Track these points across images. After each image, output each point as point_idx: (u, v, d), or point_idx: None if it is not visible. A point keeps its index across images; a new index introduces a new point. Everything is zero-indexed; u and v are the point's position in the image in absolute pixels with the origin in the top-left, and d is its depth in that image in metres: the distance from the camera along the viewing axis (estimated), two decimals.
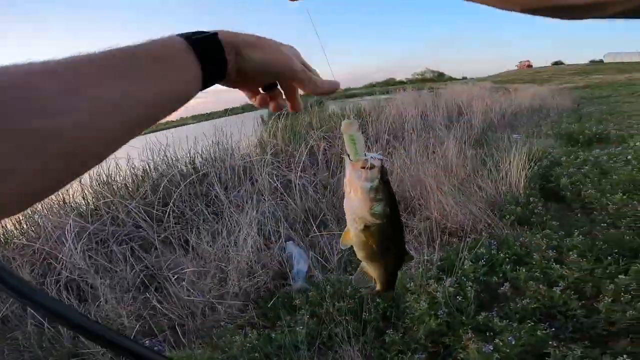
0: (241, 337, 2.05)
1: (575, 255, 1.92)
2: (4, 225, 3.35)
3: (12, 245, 3.16)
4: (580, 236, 2.13)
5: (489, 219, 2.82)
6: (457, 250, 2.40)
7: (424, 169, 3.55)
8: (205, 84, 0.44)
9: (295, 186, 3.57)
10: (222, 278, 2.57)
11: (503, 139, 4.56)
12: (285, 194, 3.55)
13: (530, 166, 3.36)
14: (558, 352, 1.51)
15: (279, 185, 3.65)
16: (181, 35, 0.42)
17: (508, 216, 2.75)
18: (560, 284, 1.83)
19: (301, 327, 2.03)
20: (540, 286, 1.84)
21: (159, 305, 2.44)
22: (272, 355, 1.99)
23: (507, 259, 2.20)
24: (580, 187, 2.93)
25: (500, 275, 2.13)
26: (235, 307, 2.42)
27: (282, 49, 0.49)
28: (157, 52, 0.38)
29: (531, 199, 2.94)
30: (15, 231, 3.40)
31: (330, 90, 0.53)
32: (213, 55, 0.43)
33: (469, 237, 2.60)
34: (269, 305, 2.40)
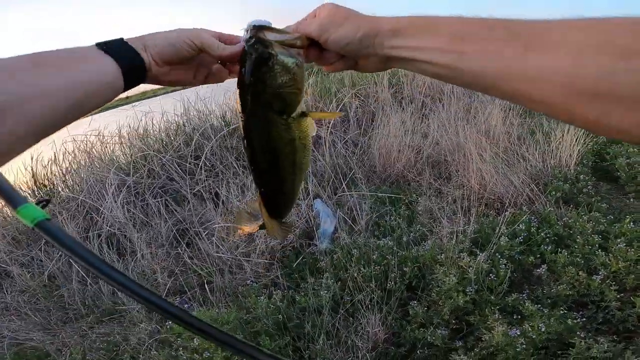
0: (265, 298, 2.14)
1: (623, 244, 1.86)
2: (50, 179, 3.59)
3: (58, 199, 3.38)
4: (632, 223, 2.05)
5: (532, 193, 2.74)
6: (493, 224, 2.38)
7: (464, 134, 3.43)
8: (130, 78, 0.52)
9: (325, 142, 3.56)
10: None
11: None
12: (314, 149, 3.56)
13: (585, 142, 3.18)
14: (583, 344, 1.53)
15: None
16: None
17: (553, 192, 2.66)
18: (600, 273, 1.80)
19: (325, 292, 2.11)
20: (580, 273, 1.81)
21: (189, 262, 2.59)
22: (295, 318, 2.09)
23: (547, 239, 2.16)
24: (638, 170, 2.77)
25: (538, 256, 2.10)
26: (261, 266, 2.53)
27: (183, 30, 0.56)
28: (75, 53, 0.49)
29: (581, 176, 2.82)
30: (61, 184, 3.63)
31: (230, 55, 0.56)
32: (124, 53, 0.52)
33: (507, 210, 2.55)
34: (294, 266, 2.50)
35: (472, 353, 1.75)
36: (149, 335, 2.24)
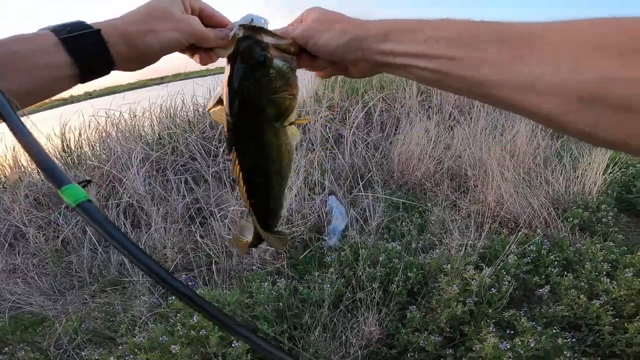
0: (269, 284, 2.26)
1: (631, 274, 1.90)
2: (80, 147, 3.84)
3: (84, 166, 3.60)
4: None
5: (549, 217, 2.78)
6: (504, 242, 2.44)
7: (488, 150, 3.48)
8: (86, 77, 0.50)
9: (347, 141, 3.68)
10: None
11: None
12: (335, 147, 3.68)
13: (612, 170, 3.19)
14: None
15: (330, 137, 3.77)
16: (55, 28, 0.48)
17: (571, 218, 2.69)
18: (601, 298, 1.85)
19: (329, 285, 2.21)
20: (581, 296, 1.87)
21: (200, 240, 2.74)
22: (294, 308, 2.20)
23: (556, 262, 2.22)
24: None
25: (543, 277, 2.16)
26: (268, 253, 2.66)
27: (175, 17, 0.53)
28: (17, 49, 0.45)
29: (603, 206, 2.84)
30: (89, 153, 3.87)
31: (225, 44, 0.56)
32: (90, 50, 0.48)
33: (520, 230, 2.61)
34: (300, 257, 2.61)
35: None
36: (148, 309, 2.36)
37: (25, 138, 0.39)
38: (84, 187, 0.39)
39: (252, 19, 0.52)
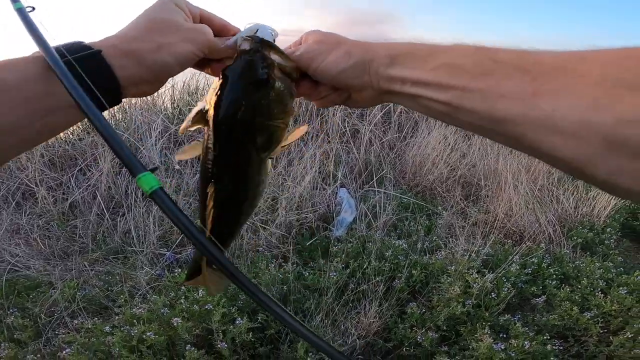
0: (275, 267, 2.43)
1: (624, 292, 2.13)
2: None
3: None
4: None
5: (554, 233, 3.01)
6: (507, 252, 2.66)
7: (504, 163, 3.70)
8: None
9: (363, 137, 3.89)
10: (272, 205, 3.02)
11: None
12: (351, 141, 3.89)
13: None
14: None
15: (347, 131, 3.98)
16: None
17: (575, 237, 2.92)
18: (592, 312, 2.08)
19: (334, 274, 2.42)
20: (574, 308, 2.10)
21: None
22: (298, 292, 2.38)
23: (554, 275, 2.45)
24: None
25: (541, 287, 2.39)
26: (275, 237, 2.87)
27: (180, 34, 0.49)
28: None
29: (608, 229, 3.07)
30: (110, 120, 4.04)
31: (228, 54, 0.53)
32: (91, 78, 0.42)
33: (525, 243, 2.83)
34: (306, 244, 2.83)
35: None
36: (147, 281, 2.46)
37: (101, 123, 0.40)
38: (152, 172, 0.40)
39: (258, 30, 0.49)
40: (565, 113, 0.33)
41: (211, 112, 0.46)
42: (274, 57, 0.47)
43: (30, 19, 0.45)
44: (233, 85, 0.46)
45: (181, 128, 0.51)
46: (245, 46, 0.47)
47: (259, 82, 0.46)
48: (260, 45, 0.47)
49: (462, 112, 0.41)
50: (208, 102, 0.47)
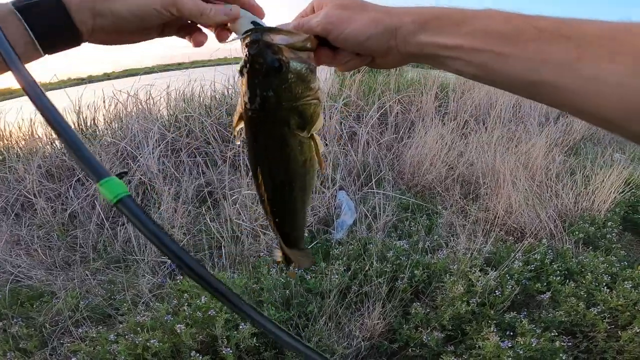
0: (277, 271, 2.39)
1: (629, 286, 2.08)
2: (97, 122, 3.99)
3: (100, 141, 3.76)
4: None
5: (555, 229, 2.96)
6: (509, 249, 2.61)
7: (502, 160, 3.65)
8: (52, 44, 0.46)
9: (360, 139, 3.85)
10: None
11: (603, 155, 4.48)
12: (349, 144, 3.86)
13: (624, 191, 3.37)
14: None
15: (344, 133, 3.94)
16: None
17: (577, 232, 2.87)
18: (599, 307, 2.03)
19: (336, 277, 2.38)
20: (580, 304, 2.04)
21: (209, 223, 2.88)
22: (300, 296, 2.33)
23: (558, 271, 2.39)
24: None
25: (545, 284, 2.34)
26: (275, 242, 2.81)
27: None
28: None
29: (609, 223, 3.02)
30: (106, 130, 4.02)
31: (224, 20, 0.51)
32: (48, 14, 0.44)
33: (526, 240, 2.78)
34: (307, 248, 2.76)
35: (461, 359, 2.00)
36: (150, 288, 2.44)
37: (58, 123, 0.39)
38: (120, 178, 0.38)
39: (252, 20, 0.49)
40: (606, 78, 0.34)
41: (239, 110, 0.49)
42: (279, 38, 0.46)
43: None
44: (250, 79, 0.46)
45: (234, 124, 0.52)
46: (247, 40, 0.46)
47: (273, 70, 0.45)
48: (260, 32, 0.46)
49: (498, 75, 0.42)
50: (239, 102, 0.49)
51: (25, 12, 0.43)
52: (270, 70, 0.45)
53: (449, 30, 0.43)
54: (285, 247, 0.62)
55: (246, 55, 0.46)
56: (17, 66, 0.40)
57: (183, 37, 0.56)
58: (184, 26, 0.55)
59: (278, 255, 0.68)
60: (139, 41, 0.54)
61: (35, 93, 0.39)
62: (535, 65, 0.39)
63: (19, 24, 0.43)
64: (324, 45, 0.50)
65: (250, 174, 0.56)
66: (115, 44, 0.52)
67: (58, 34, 0.46)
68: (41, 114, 0.39)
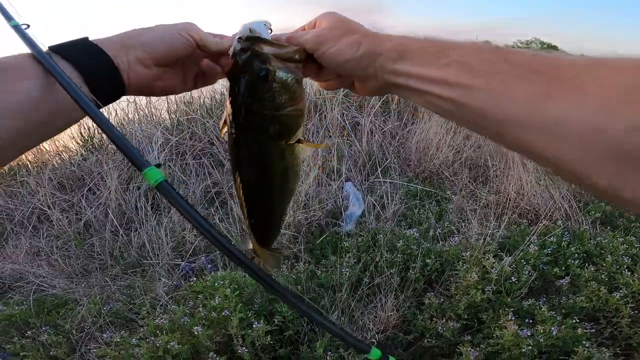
0: (287, 268, 2.34)
1: None
2: (100, 131, 3.93)
3: (105, 149, 3.71)
4: None
5: (570, 209, 2.81)
6: (524, 233, 2.48)
7: None
8: (102, 90, 0.46)
9: (364, 129, 3.73)
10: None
11: None
12: (352, 134, 3.74)
13: None
14: (586, 352, 1.66)
15: (347, 124, 3.82)
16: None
17: (593, 212, 2.72)
18: (621, 291, 1.90)
19: (346, 270, 2.29)
20: (601, 288, 1.91)
21: (219, 223, 2.82)
22: (312, 291, 2.27)
23: (576, 254, 2.26)
24: None
25: (563, 268, 2.20)
26: (285, 237, 2.74)
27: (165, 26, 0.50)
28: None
29: None
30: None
31: (228, 48, 0.51)
32: (88, 55, 0.45)
33: (541, 222, 2.64)
34: (317, 242, 2.69)
35: (478, 348, 1.90)
36: (166, 291, 2.44)
37: (106, 124, 0.41)
38: (158, 168, 0.41)
39: (250, 29, 0.48)
40: (575, 118, 0.31)
41: (225, 114, 0.50)
42: (267, 49, 0.47)
43: (27, 34, 0.45)
44: (236, 85, 0.47)
45: (220, 130, 0.53)
46: (238, 47, 0.47)
47: (259, 79, 0.46)
48: (250, 41, 0.46)
49: (466, 111, 0.39)
50: (226, 104, 0.50)
51: (69, 58, 0.44)
52: (257, 79, 0.46)
53: (426, 61, 0.42)
54: (255, 243, 0.61)
55: (235, 61, 0.47)
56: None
57: (205, 84, 0.59)
58: (202, 73, 0.57)
59: (250, 245, 0.65)
60: (176, 89, 0.56)
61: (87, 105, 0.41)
62: (499, 101, 0.36)
63: (72, 71, 0.44)
64: (312, 60, 0.50)
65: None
66: (156, 92, 0.54)
67: (108, 80, 0.46)
68: (92, 120, 0.42)
